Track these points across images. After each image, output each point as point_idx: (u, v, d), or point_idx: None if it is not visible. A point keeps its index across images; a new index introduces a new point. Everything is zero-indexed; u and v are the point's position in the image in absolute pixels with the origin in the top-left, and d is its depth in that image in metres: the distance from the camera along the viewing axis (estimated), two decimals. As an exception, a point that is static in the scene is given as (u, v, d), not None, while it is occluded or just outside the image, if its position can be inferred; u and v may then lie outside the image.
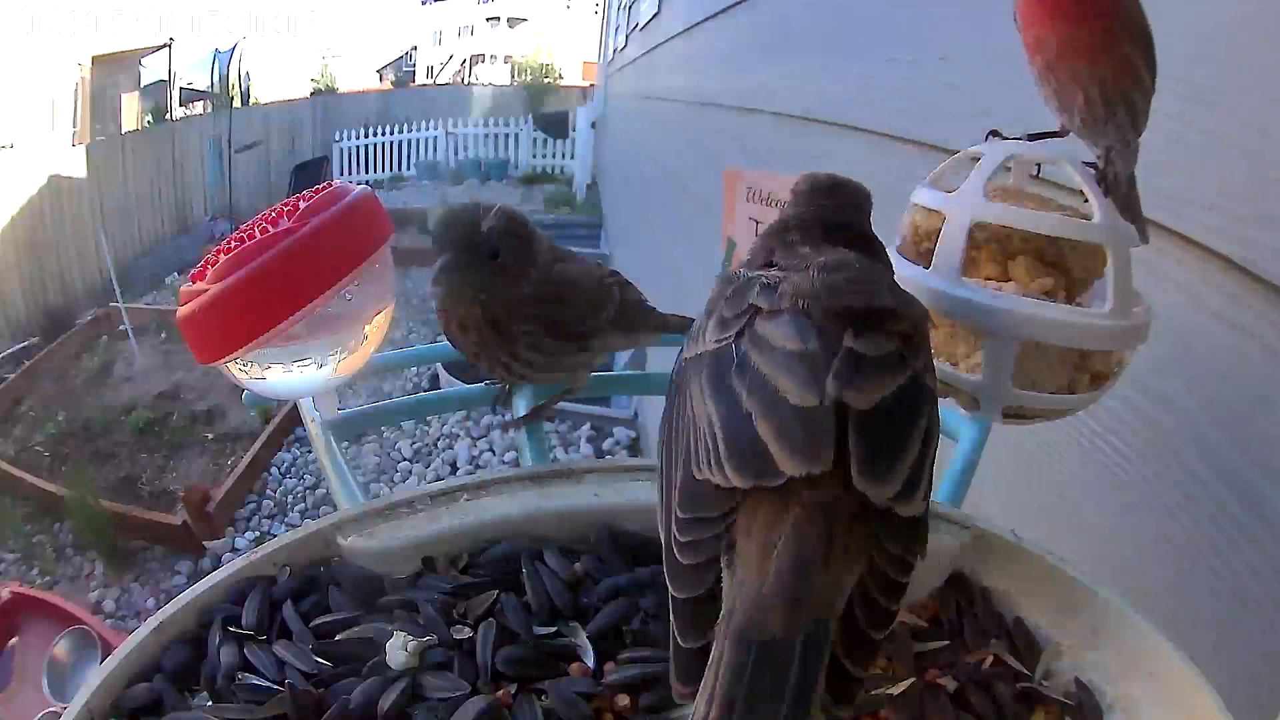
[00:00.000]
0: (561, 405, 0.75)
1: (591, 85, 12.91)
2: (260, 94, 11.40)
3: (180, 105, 10.13)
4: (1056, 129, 0.57)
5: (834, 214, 0.46)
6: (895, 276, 0.60)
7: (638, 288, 0.72)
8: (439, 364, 3.87)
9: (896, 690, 0.40)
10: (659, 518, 0.38)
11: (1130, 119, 0.53)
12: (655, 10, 4.73)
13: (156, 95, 9.71)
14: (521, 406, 0.72)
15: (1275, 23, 0.60)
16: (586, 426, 4.28)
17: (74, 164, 7.63)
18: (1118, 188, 0.54)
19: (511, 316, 0.61)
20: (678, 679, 0.34)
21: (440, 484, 0.52)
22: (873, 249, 0.47)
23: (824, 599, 0.33)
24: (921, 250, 0.59)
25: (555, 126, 11.40)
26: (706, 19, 3.08)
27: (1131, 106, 0.53)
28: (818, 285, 0.39)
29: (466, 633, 0.43)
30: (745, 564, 0.33)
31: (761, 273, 0.41)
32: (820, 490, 0.33)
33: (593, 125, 9.51)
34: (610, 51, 8.82)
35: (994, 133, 0.61)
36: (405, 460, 4.36)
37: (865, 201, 0.49)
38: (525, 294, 0.61)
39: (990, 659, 0.43)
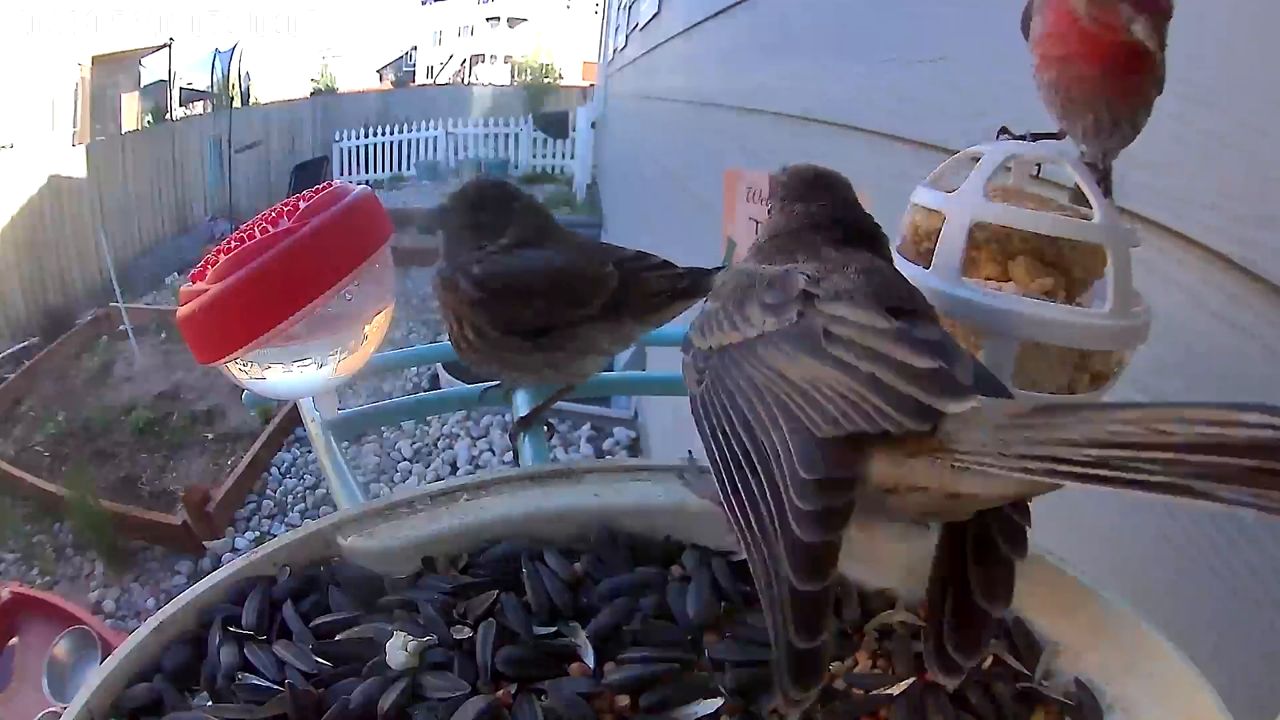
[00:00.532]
0: (562, 405, 0.75)
1: (591, 85, 12.91)
2: (260, 94, 11.40)
3: (180, 105, 10.13)
4: (1056, 131, 0.58)
5: (843, 211, 0.47)
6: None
7: (660, 271, 0.68)
8: (439, 364, 3.87)
9: (896, 690, 0.40)
10: (744, 518, 0.33)
11: (1133, 132, 0.54)
12: (655, 10, 4.73)
13: (156, 95, 9.71)
14: (522, 407, 0.72)
15: (1275, 23, 0.60)
16: (586, 426, 4.28)
17: (74, 164, 7.63)
18: (1095, 174, 0.55)
19: (463, 291, 0.61)
20: (794, 684, 0.30)
21: (440, 484, 0.52)
22: (881, 247, 0.47)
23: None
24: (921, 250, 0.59)
25: (555, 126, 11.40)
26: (706, 19, 3.08)
27: (1135, 123, 0.54)
28: (864, 286, 0.39)
29: (466, 633, 0.43)
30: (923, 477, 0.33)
31: (797, 266, 0.41)
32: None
33: (593, 125, 9.51)
34: (610, 51, 8.82)
35: (1004, 130, 0.61)
36: (405, 460, 4.36)
37: (851, 191, 0.49)
38: (473, 271, 0.61)
39: (990, 659, 0.43)
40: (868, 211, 0.49)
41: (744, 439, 0.34)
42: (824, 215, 0.46)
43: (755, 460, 0.33)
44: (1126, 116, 0.53)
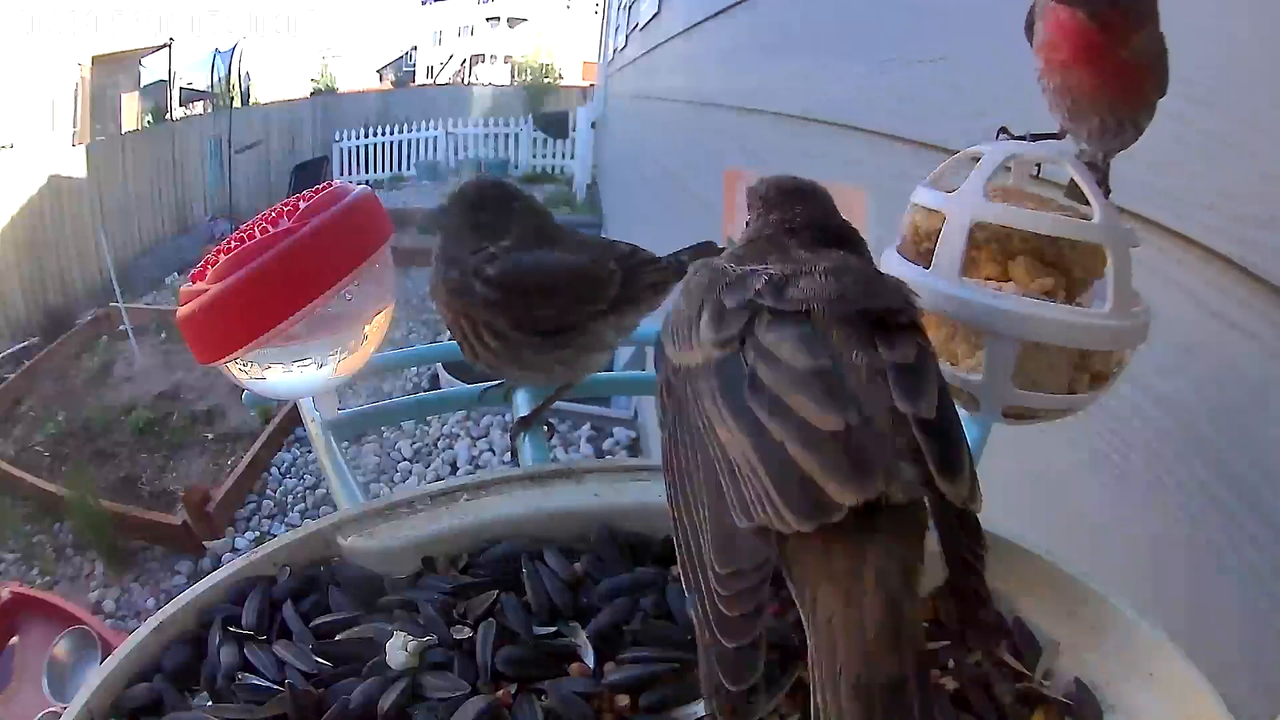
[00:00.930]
0: (562, 405, 0.75)
1: (591, 85, 12.90)
2: (260, 94, 11.39)
3: (180, 105, 10.12)
4: (1056, 131, 0.58)
5: (819, 217, 0.46)
6: (895, 276, 0.60)
7: (653, 264, 0.68)
8: (439, 364, 3.87)
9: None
10: (682, 560, 0.35)
11: (1136, 134, 0.54)
12: (655, 10, 4.73)
13: (156, 95, 9.71)
14: (523, 407, 0.72)
15: (1276, 23, 0.60)
16: (586, 426, 4.28)
17: (74, 164, 7.63)
18: (1095, 173, 0.56)
19: (471, 294, 0.61)
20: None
21: (440, 484, 0.52)
22: (857, 246, 0.47)
23: (918, 629, 0.33)
24: (921, 250, 0.59)
25: (555, 126, 11.40)
26: (706, 19, 3.08)
27: (1138, 125, 0.54)
28: (830, 290, 0.38)
29: (466, 633, 0.43)
30: (828, 601, 0.32)
31: (762, 267, 0.41)
32: (879, 513, 0.33)
33: (593, 125, 9.51)
34: (610, 51, 8.82)
35: (1004, 130, 0.61)
36: (405, 460, 4.36)
37: (830, 201, 0.48)
38: (486, 272, 0.61)
39: (990, 659, 0.43)
40: (846, 218, 0.48)
41: (682, 512, 0.36)
42: (799, 221, 0.45)
43: (689, 536, 0.35)
44: (1129, 118, 0.54)
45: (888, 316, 0.38)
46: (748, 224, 0.49)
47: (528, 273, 0.61)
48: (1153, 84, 0.53)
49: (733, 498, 0.34)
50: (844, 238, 0.46)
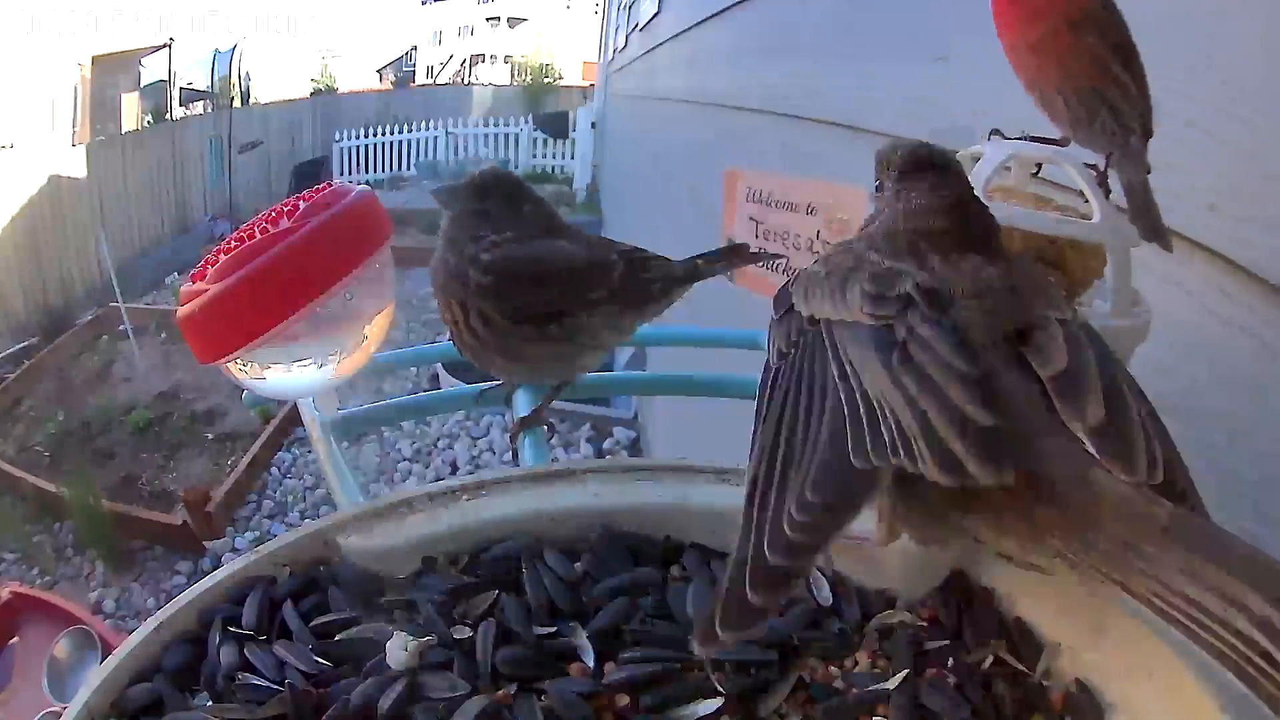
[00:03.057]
0: (562, 405, 0.74)
1: (591, 85, 12.91)
2: (260, 94, 11.40)
3: (180, 105, 10.13)
4: (1058, 137, 0.58)
5: (957, 208, 0.43)
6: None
7: (654, 258, 0.67)
8: (439, 364, 3.87)
9: (892, 685, 0.40)
10: (758, 475, 0.33)
11: (1117, 122, 0.52)
12: (655, 10, 4.73)
13: (156, 95, 9.72)
14: (522, 407, 0.72)
15: (1276, 23, 0.60)
16: (586, 426, 4.28)
17: (74, 164, 7.64)
18: (1132, 197, 0.54)
19: (467, 280, 0.61)
20: (728, 627, 0.30)
21: (440, 484, 0.52)
22: (993, 246, 0.43)
23: None
24: (921, 250, 0.59)
25: (555, 126, 11.40)
26: (706, 19, 3.08)
27: (1114, 109, 0.52)
28: (976, 311, 0.37)
29: (466, 633, 0.43)
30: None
31: (911, 267, 0.39)
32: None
33: (593, 125, 9.51)
34: (610, 51, 8.82)
35: (995, 132, 0.61)
36: (405, 460, 4.37)
37: (965, 181, 0.44)
38: (482, 259, 0.61)
39: (990, 659, 0.43)
40: (984, 204, 0.45)
41: (780, 432, 0.34)
42: (938, 222, 0.42)
43: (776, 456, 0.34)
44: (1093, 91, 0.51)
45: (1030, 327, 0.37)
46: (877, 189, 0.46)
47: (522, 259, 0.61)
48: (1096, 45, 0.50)
49: (866, 436, 0.32)
50: (982, 234, 0.43)
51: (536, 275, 0.62)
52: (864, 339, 0.35)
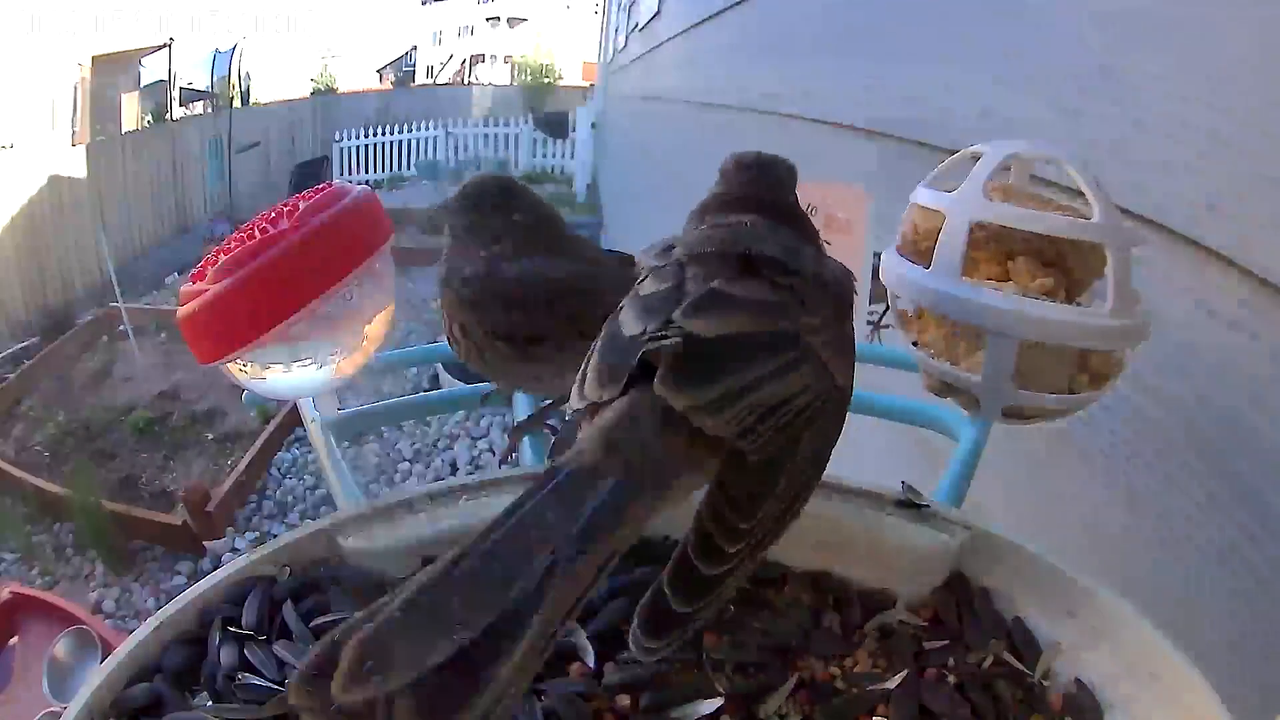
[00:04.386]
0: (562, 407, 0.73)
1: (591, 85, 12.90)
2: (260, 94, 11.41)
3: (180, 105, 10.13)
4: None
5: (764, 191, 0.48)
6: (895, 275, 0.60)
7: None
8: (439, 364, 3.87)
9: (892, 684, 0.41)
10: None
11: None
12: (655, 10, 4.73)
13: (156, 95, 9.72)
14: (522, 409, 0.72)
15: (1276, 23, 0.60)
16: (587, 427, 4.28)
17: (74, 164, 7.64)
18: None
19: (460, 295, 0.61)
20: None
21: (440, 484, 0.52)
22: (797, 221, 0.48)
23: (642, 458, 0.35)
24: (921, 250, 0.59)
25: (555, 126, 11.40)
26: (706, 19, 3.08)
27: None
28: (701, 239, 0.43)
29: (466, 633, 0.43)
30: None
31: (694, 230, 0.45)
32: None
33: (593, 125, 9.51)
34: (610, 51, 8.82)
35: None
36: (405, 460, 4.37)
37: (787, 176, 0.50)
38: (465, 273, 0.61)
39: (990, 659, 0.43)
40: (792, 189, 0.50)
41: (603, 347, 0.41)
42: (744, 193, 0.48)
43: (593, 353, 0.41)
44: None
45: (747, 263, 0.41)
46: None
47: (500, 280, 0.60)
48: None
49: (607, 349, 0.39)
50: (780, 210, 0.47)
51: (506, 296, 0.60)
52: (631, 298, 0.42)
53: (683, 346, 0.36)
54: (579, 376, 0.39)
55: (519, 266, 0.61)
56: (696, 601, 0.34)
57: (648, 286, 0.41)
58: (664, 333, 0.37)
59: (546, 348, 0.61)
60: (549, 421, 0.71)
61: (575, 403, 0.39)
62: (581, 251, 0.65)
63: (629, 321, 0.39)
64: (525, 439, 0.69)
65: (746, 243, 0.42)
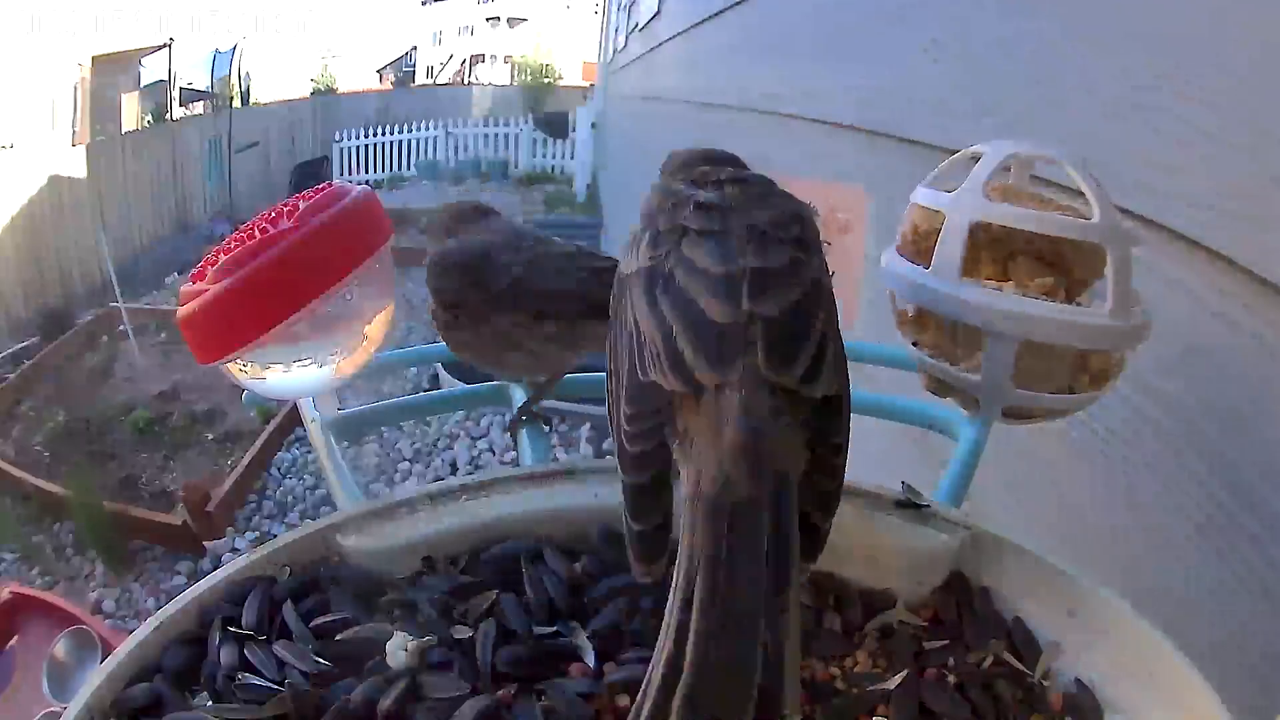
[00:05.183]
0: (562, 406, 0.74)
1: (591, 85, 12.90)
2: (260, 94, 11.42)
3: (180, 105, 10.14)
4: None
5: (725, 161, 0.52)
6: (895, 275, 0.60)
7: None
8: (439, 364, 3.87)
9: (892, 684, 0.41)
10: (609, 416, 0.42)
11: None
12: (655, 10, 4.73)
13: (156, 95, 9.73)
14: (519, 403, 0.72)
15: (1276, 23, 0.60)
16: (586, 426, 4.28)
17: (74, 164, 7.64)
18: None
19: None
20: (637, 559, 0.37)
21: (440, 484, 0.52)
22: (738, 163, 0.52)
23: (782, 453, 0.36)
24: (921, 250, 0.59)
25: (555, 126, 11.40)
26: (706, 19, 3.08)
27: None
28: (731, 198, 0.44)
29: (466, 633, 0.43)
30: (700, 438, 0.36)
31: (696, 191, 0.46)
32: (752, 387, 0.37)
33: (593, 125, 9.50)
34: (610, 51, 8.82)
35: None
36: (405, 460, 4.36)
37: (738, 160, 0.53)
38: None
39: (990, 659, 0.43)
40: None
41: (611, 375, 0.43)
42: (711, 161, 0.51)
43: (613, 389, 0.42)
44: None
45: (774, 224, 0.43)
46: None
47: (447, 249, 0.66)
48: None
49: (638, 361, 0.40)
50: (754, 179, 0.49)
51: (443, 264, 0.65)
52: (641, 281, 0.42)
53: (764, 330, 0.38)
54: (639, 359, 0.40)
55: (454, 241, 0.67)
56: (818, 556, 0.37)
57: (701, 258, 0.41)
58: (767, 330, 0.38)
59: (465, 317, 0.64)
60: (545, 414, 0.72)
61: (672, 378, 0.38)
62: (551, 248, 0.66)
63: (712, 305, 0.39)
64: (525, 436, 0.69)
65: (768, 204, 0.44)
